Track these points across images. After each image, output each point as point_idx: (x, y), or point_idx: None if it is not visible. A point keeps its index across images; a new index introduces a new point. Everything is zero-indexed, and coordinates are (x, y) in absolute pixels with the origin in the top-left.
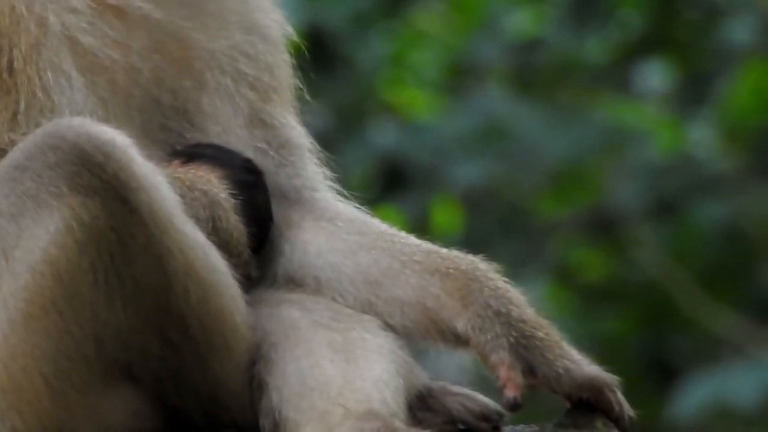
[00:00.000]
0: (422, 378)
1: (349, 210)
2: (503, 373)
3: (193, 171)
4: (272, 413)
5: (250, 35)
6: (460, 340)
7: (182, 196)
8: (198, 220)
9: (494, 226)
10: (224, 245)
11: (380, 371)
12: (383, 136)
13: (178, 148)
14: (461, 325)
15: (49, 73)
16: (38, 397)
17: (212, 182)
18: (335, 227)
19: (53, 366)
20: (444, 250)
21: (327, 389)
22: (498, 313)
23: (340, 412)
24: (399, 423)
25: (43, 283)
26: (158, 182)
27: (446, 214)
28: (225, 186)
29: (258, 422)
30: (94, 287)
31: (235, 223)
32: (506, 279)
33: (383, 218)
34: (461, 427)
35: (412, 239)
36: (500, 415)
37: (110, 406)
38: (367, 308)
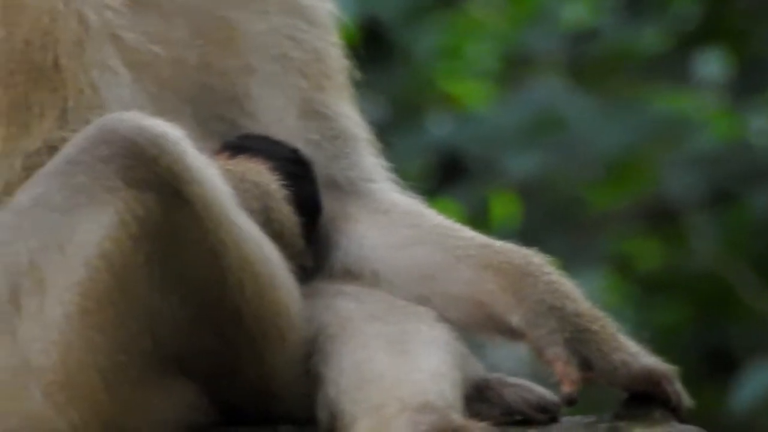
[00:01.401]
0: (478, 370)
1: (405, 201)
2: (559, 368)
3: (244, 163)
4: (329, 406)
5: (291, 17)
6: (516, 335)
7: (234, 188)
8: (251, 212)
9: (550, 217)
10: (278, 236)
11: (436, 363)
12: (439, 128)
13: (225, 141)
14: (516, 320)
15: (94, 70)
16: (95, 392)
17: (263, 174)
18: (390, 220)
19: (109, 360)
20: (498, 244)
21: (382, 382)
22: (552, 308)
23: (396, 405)
24: (455, 415)
25: (98, 278)
26: (212, 175)
27: (503, 206)
28: (276, 177)
29: (313, 415)
30: (149, 281)
31: (287, 214)
32: (561, 272)
33: (441, 210)
34: (518, 418)
35: (467, 232)
36: (558, 406)
37: (166, 401)
38: (422, 303)
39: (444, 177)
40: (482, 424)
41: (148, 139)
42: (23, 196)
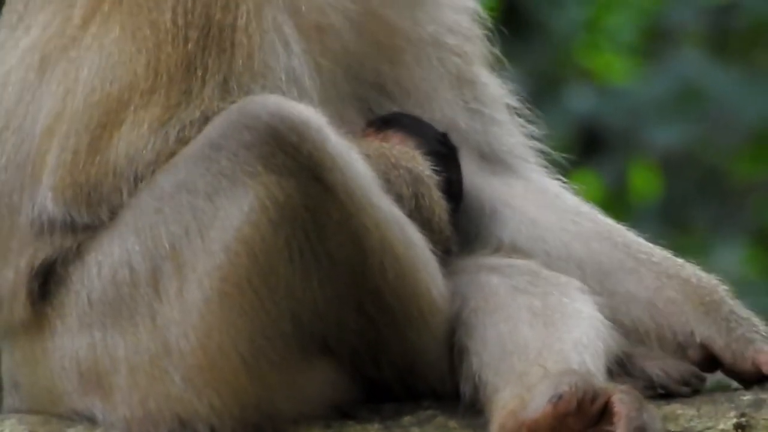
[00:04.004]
0: (621, 343)
1: (569, 196)
2: (763, 358)
3: (398, 147)
4: (472, 378)
5: (458, 14)
6: (679, 348)
7: (386, 172)
8: (401, 198)
9: (692, 189)
10: (426, 222)
11: (579, 335)
12: (580, 101)
13: (376, 116)
14: (702, 329)
15: (271, 34)
16: (235, 375)
17: (417, 159)
18: (564, 208)
19: (249, 344)
20: (679, 260)
21: (526, 352)
22: (740, 318)
23: (539, 372)
24: (597, 379)
25: (238, 262)
26: (353, 160)
27: (644, 178)
28: (428, 163)
29: (455, 391)
30: (290, 265)
31: (438, 200)
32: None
33: (581, 183)
34: (661, 391)
35: (642, 240)
36: (700, 379)
37: (308, 381)
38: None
39: (584, 150)
40: (624, 387)
41: (289, 126)
42: (165, 181)
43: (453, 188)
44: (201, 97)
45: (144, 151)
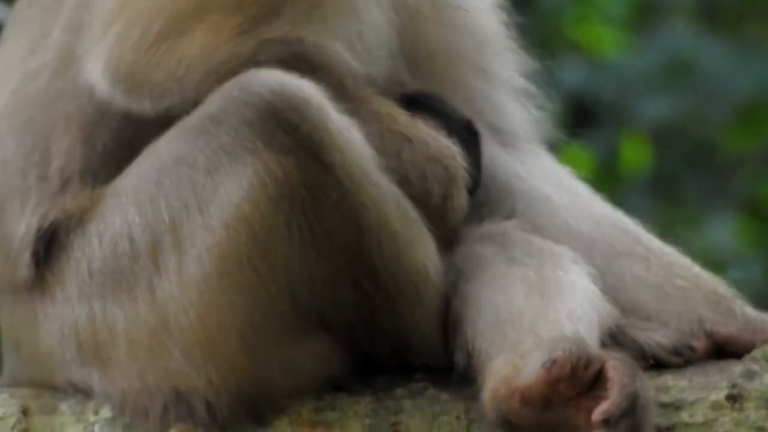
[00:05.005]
0: (613, 314)
1: (574, 179)
2: None
3: (440, 139)
4: (466, 347)
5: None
6: (684, 338)
7: (425, 164)
8: (430, 195)
9: (682, 162)
10: (445, 220)
11: (573, 306)
12: (569, 74)
13: (403, 92)
14: (712, 317)
15: None
16: (233, 351)
17: (456, 158)
18: (575, 191)
19: (247, 321)
20: (687, 258)
21: (520, 321)
22: (755, 314)
23: (533, 339)
24: (590, 347)
25: (237, 239)
26: (353, 139)
27: (634, 151)
28: (464, 162)
29: (448, 365)
30: (288, 242)
31: (464, 203)
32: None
33: (572, 156)
34: (652, 362)
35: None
36: (692, 349)
37: (304, 356)
38: (596, 274)
39: (574, 123)
40: (617, 354)
41: (290, 105)
42: (166, 152)
43: (472, 175)
44: (286, 17)
45: (213, 56)
